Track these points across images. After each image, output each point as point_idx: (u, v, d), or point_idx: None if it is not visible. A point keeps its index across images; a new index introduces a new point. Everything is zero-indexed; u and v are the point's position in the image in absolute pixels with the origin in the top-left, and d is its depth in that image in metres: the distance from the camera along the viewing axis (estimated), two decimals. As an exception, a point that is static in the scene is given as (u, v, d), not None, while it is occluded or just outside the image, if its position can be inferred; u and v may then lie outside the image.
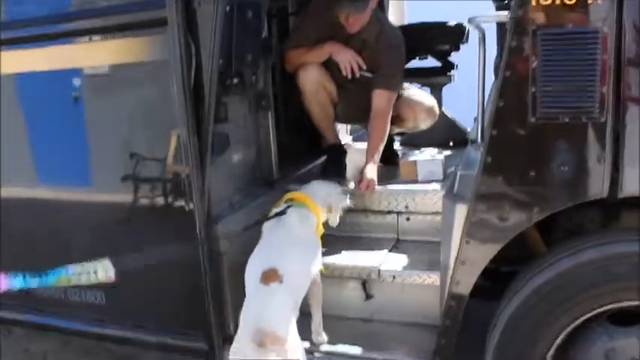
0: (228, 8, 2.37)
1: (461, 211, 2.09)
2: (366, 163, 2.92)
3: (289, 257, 2.29)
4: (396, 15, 4.34)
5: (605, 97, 1.87)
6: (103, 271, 2.20)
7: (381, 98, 3.02)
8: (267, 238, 2.44)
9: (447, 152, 3.32)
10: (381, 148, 3.01)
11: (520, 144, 1.97)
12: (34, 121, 2.77)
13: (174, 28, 2.25)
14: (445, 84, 3.74)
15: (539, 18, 1.88)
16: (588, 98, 1.88)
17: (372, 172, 2.88)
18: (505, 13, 1.98)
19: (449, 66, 3.74)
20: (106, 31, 2.43)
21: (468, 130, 3.43)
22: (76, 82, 2.57)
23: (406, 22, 4.29)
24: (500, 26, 2.20)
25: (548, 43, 1.88)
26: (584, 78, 1.88)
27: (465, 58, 3.73)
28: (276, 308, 2.14)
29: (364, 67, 3.00)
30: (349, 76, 2.99)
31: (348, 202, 2.65)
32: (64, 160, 2.74)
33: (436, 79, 3.73)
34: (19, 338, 3.40)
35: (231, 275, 2.50)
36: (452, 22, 3.63)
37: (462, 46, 3.67)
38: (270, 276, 2.20)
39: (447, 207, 2.21)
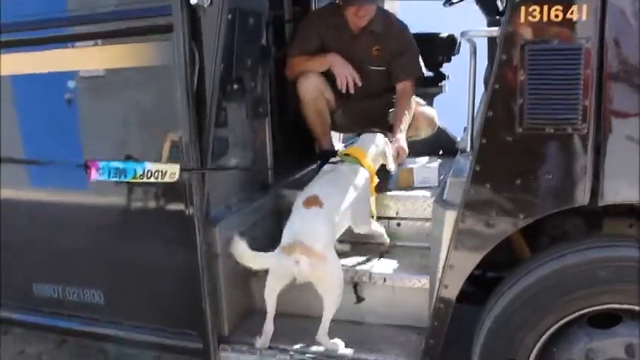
0: (230, 16, 2.49)
1: (450, 217, 2.21)
2: (394, 134, 3.10)
3: (333, 190, 2.63)
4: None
5: (587, 110, 2.01)
6: (170, 175, 2.35)
7: (405, 85, 3.26)
8: (317, 178, 2.78)
9: (438, 160, 3.45)
10: (407, 122, 3.19)
11: (507, 153, 2.10)
12: (33, 120, 2.86)
13: (179, 34, 2.36)
14: (437, 94, 3.89)
15: (528, 34, 2.01)
16: (572, 110, 2.01)
17: (401, 140, 3.07)
18: (496, 28, 2.11)
19: (440, 76, 3.89)
20: (112, 36, 2.53)
21: (458, 139, 3.56)
22: (75, 83, 2.67)
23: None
24: (491, 40, 2.33)
25: (535, 57, 2.01)
26: (568, 91, 2.01)
27: (456, 68, 3.89)
28: (313, 226, 2.47)
29: (360, 84, 3.12)
30: (344, 90, 3.12)
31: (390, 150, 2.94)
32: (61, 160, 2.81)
33: (428, 90, 3.87)
34: (15, 339, 3.47)
35: (228, 277, 2.62)
36: (443, 34, 3.77)
37: (453, 58, 3.82)
38: (311, 201, 2.54)
39: (436, 213, 2.33)
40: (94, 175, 2.46)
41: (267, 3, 2.94)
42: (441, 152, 3.73)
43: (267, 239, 2.95)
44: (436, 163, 3.18)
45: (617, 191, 2.07)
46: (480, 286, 2.51)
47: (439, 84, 3.88)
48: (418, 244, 2.89)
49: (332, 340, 2.51)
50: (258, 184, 3.05)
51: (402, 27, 3.38)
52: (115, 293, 2.81)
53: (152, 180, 2.41)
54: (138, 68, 2.53)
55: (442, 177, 3.08)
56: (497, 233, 2.15)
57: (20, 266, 2.95)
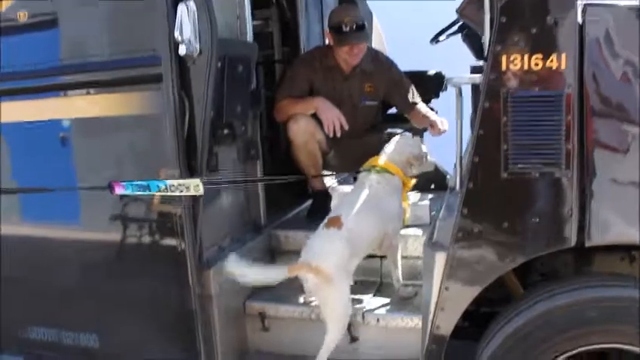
0: (219, 64, 2.55)
1: (440, 259, 2.24)
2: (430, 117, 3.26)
3: (356, 210, 2.66)
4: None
5: (570, 154, 2.06)
6: (195, 187, 2.38)
7: (417, 111, 3.41)
8: (347, 195, 2.84)
9: (429, 195, 3.50)
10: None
11: (494, 197, 2.15)
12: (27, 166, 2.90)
13: (168, 84, 2.43)
14: (427, 129, 3.94)
15: (509, 82, 2.07)
16: (555, 155, 2.07)
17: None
18: (478, 75, 2.17)
19: (430, 112, 3.94)
20: (104, 85, 2.58)
21: (448, 175, 3.62)
22: (69, 131, 2.73)
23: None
24: (475, 87, 2.39)
25: (517, 104, 2.07)
26: (551, 136, 2.06)
27: (445, 103, 3.96)
28: (327, 246, 2.57)
29: (346, 127, 3.16)
30: (331, 135, 3.17)
31: (425, 149, 2.93)
32: (54, 200, 2.82)
33: (418, 124, 3.92)
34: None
35: (222, 318, 2.66)
36: (431, 72, 3.85)
37: (441, 94, 3.89)
38: (332, 222, 2.64)
39: (427, 254, 2.37)
40: (118, 190, 2.50)
41: (257, 48, 3.00)
42: (432, 187, 3.77)
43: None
44: (427, 200, 3.22)
45: (604, 232, 2.11)
46: (474, 321, 2.55)
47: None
48: (411, 282, 2.91)
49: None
50: (250, 225, 3.09)
51: (390, 62, 3.53)
52: (109, 336, 2.82)
53: (177, 193, 2.44)
54: (129, 116, 2.58)
55: (433, 213, 3.12)
56: (486, 276, 2.19)
57: (17, 308, 2.96)
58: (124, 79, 2.54)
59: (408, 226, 3.07)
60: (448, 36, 3.55)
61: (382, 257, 3.01)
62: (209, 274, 2.60)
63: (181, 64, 2.45)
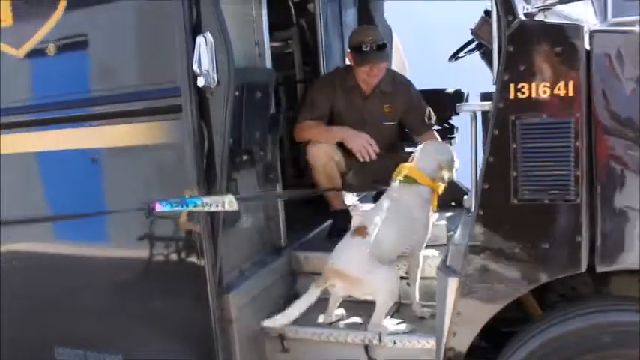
0: (237, 93, 2.62)
1: (452, 284, 2.28)
2: None
3: (380, 220, 2.76)
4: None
5: (579, 180, 2.09)
6: (229, 203, 2.49)
7: (429, 136, 3.45)
8: (375, 205, 2.94)
9: (448, 214, 3.52)
10: None
11: (505, 223, 2.18)
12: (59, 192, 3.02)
13: (187, 114, 2.52)
14: (453, 136, 3.99)
15: (518, 109, 2.11)
16: (564, 182, 2.10)
17: None
18: (488, 103, 2.21)
19: (450, 129, 3.98)
20: (127, 115, 2.69)
21: (465, 196, 3.62)
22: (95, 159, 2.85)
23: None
24: (485, 114, 2.43)
25: (526, 132, 2.11)
26: (560, 163, 2.09)
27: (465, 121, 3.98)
28: (351, 253, 2.71)
29: (378, 151, 3.17)
30: (367, 160, 3.17)
31: (454, 156, 2.94)
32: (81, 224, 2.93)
33: (438, 142, 3.96)
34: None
35: (242, 341, 2.72)
36: (450, 89, 3.89)
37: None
38: (358, 231, 2.76)
39: (440, 279, 2.40)
40: (158, 208, 2.57)
41: (274, 73, 3.07)
42: (453, 204, 3.79)
43: (282, 299, 3.06)
44: (444, 220, 3.24)
45: (615, 258, 2.13)
46: (494, 341, 2.57)
47: (448, 136, 3.98)
48: (428, 302, 2.94)
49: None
50: (270, 247, 3.16)
51: (408, 83, 3.59)
52: (134, 356, 2.89)
53: (213, 209, 2.52)
54: (151, 145, 2.67)
55: (451, 233, 3.15)
56: (497, 301, 2.22)
57: (42, 328, 3.07)
58: (145, 110, 2.63)
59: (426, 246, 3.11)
60: (467, 53, 3.59)
61: (400, 278, 3.05)
62: (228, 298, 2.66)
63: (200, 94, 2.53)
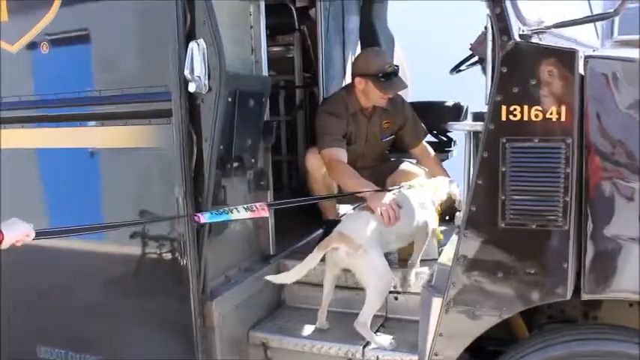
0: (230, 99, 2.61)
1: (436, 304, 2.25)
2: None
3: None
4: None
5: (568, 206, 2.05)
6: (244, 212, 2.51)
7: (422, 146, 3.57)
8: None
9: (442, 227, 3.48)
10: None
11: (490, 246, 2.15)
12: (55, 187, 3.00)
13: (178, 119, 2.50)
14: (444, 160, 3.95)
15: (509, 132, 2.07)
16: (553, 207, 2.06)
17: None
18: (479, 123, 2.18)
19: (448, 142, 3.96)
20: (116, 118, 2.66)
21: (458, 213, 3.59)
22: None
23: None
24: (476, 134, 2.39)
25: (516, 155, 2.07)
26: (549, 188, 2.06)
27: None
28: (357, 221, 2.80)
29: (399, 219, 2.95)
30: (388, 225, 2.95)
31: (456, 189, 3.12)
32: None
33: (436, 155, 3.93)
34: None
35: (223, 347, 2.70)
36: (449, 102, 3.86)
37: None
38: (365, 207, 2.87)
39: (424, 298, 2.37)
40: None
41: (270, 81, 3.04)
42: (447, 218, 3.76)
43: (267, 309, 3.04)
44: (436, 257, 3.21)
45: (601, 287, 2.10)
46: (478, 358, 2.54)
47: (446, 149, 3.95)
48: (415, 317, 2.90)
49: (375, 334, 2.74)
50: (259, 255, 3.14)
51: (401, 99, 3.61)
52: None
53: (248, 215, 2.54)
54: (141, 149, 2.65)
55: (442, 249, 3.12)
56: (480, 324, 2.19)
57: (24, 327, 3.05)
58: (136, 113, 2.61)
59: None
60: (468, 67, 3.56)
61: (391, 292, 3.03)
62: (212, 305, 2.65)
63: (191, 100, 2.52)
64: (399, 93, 3.49)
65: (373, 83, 3.27)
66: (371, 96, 3.33)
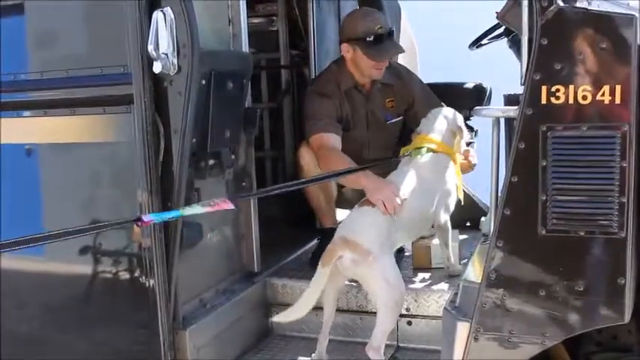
0: (204, 82, 2.55)
1: (462, 330, 2.20)
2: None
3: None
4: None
5: (624, 208, 2.00)
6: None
7: None
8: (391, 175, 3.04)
9: (461, 236, 3.45)
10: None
11: (529, 259, 2.10)
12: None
13: (139, 107, 2.44)
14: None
15: (551, 118, 2.02)
16: (605, 209, 2.01)
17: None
18: (514, 108, 2.12)
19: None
20: (66, 106, 2.60)
21: (483, 219, 3.56)
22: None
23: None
24: (509, 121, 2.35)
25: (560, 146, 2.02)
26: (601, 186, 2.01)
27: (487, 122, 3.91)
28: (362, 223, 2.78)
29: (401, 202, 2.93)
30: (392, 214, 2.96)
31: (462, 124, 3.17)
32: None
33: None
34: None
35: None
36: (469, 84, 3.80)
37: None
38: (365, 202, 2.85)
39: (447, 322, 2.32)
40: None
41: (251, 58, 2.99)
42: (468, 224, 3.73)
43: (252, 339, 2.98)
44: (457, 241, 3.19)
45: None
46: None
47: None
48: (433, 347, 2.87)
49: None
50: (240, 273, 3.09)
51: (406, 70, 3.57)
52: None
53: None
54: (94, 144, 2.60)
55: (464, 261, 3.08)
56: (517, 354, 2.13)
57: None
58: (88, 100, 2.55)
59: (432, 269, 3.16)
60: (491, 40, 3.51)
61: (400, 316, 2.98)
62: (185, 335, 2.60)
63: (156, 83, 2.47)
64: (403, 66, 3.44)
65: (361, 49, 3.20)
66: (361, 65, 3.25)
